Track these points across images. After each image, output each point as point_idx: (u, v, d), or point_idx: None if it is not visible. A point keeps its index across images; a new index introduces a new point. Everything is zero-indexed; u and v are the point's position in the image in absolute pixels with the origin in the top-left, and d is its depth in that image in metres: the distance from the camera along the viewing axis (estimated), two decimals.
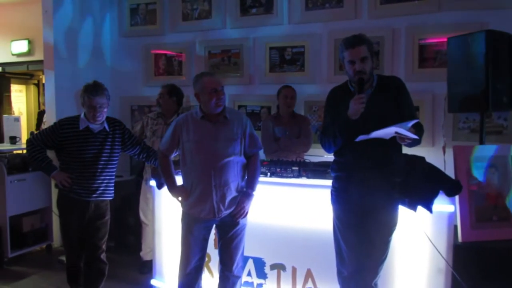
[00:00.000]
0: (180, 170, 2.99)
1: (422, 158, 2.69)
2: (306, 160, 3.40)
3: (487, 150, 2.95)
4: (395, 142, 2.47)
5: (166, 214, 3.65)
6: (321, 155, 3.26)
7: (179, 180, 3.02)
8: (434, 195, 2.59)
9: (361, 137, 2.39)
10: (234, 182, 2.87)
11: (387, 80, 2.62)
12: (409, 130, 2.31)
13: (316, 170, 3.20)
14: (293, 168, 3.26)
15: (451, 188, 2.64)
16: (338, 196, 2.65)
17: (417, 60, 4.25)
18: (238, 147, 2.88)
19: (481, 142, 3.15)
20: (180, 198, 2.96)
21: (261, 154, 3.58)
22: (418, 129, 2.42)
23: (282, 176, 3.29)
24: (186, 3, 5.26)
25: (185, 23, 5.26)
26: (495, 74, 2.98)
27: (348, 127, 2.47)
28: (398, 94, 2.55)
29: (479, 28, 3.68)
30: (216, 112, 2.86)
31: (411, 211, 2.57)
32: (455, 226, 2.83)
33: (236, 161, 2.87)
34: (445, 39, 3.41)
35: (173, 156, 3.00)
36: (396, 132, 2.33)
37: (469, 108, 3.15)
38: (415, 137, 2.34)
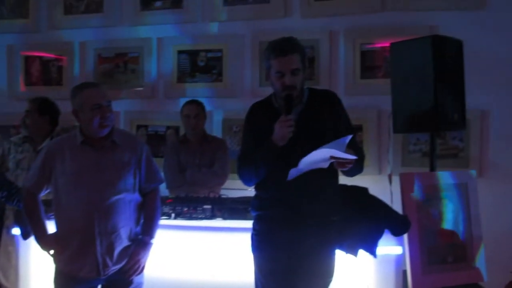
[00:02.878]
0: (52, 214, 2.89)
1: (364, 190, 2.78)
2: (222, 196, 3.40)
3: (439, 177, 3.11)
4: (330, 171, 2.53)
5: (35, 274, 3.48)
6: (242, 188, 3.27)
7: (51, 226, 2.91)
8: (379, 235, 2.67)
9: (292, 174, 2.41)
10: (125, 227, 2.83)
11: (320, 95, 2.70)
12: (346, 151, 2.37)
13: (234, 209, 3.21)
14: (205, 206, 3.26)
15: (398, 225, 2.74)
16: (260, 241, 2.65)
17: (359, 69, 4.44)
18: (130, 180, 2.85)
19: (432, 167, 3.32)
20: (52, 251, 2.85)
21: (163, 190, 3.53)
22: (356, 152, 2.49)
23: (190, 218, 3.26)
24: None
25: (68, 17, 5.17)
26: (444, 87, 3.18)
27: (274, 155, 2.50)
28: (333, 111, 2.64)
29: (428, 32, 3.95)
30: (100, 135, 2.81)
31: (351, 256, 2.63)
32: (404, 272, 2.93)
33: (128, 199, 2.83)
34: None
35: (43, 194, 2.90)
36: (331, 157, 2.38)
37: (417, 127, 3.33)
38: (354, 157, 2.40)
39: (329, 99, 2.68)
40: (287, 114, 2.47)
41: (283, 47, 2.52)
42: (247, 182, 2.68)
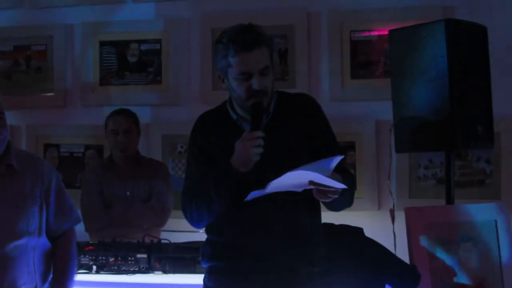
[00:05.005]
0: None
1: (358, 231, 2.78)
2: (163, 241, 3.39)
3: (459, 213, 3.14)
4: (310, 202, 2.54)
5: None
6: (189, 230, 3.25)
7: None
8: None
9: (254, 194, 2.40)
10: (28, 284, 2.83)
11: (291, 101, 2.71)
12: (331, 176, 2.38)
13: (179, 259, 3.21)
14: (139, 255, 3.26)
15: (403, 279, 2.75)
16: None
17: (348, 65, 4.48)
18: (35, 220, 2.86)
19: (449, 199, 3.34)
20: None
21: (81, 232, 3.49)
22: (345, 178, 2.50)
23: (119, 271, 3.26)
24: None
25: None
26: (463, 90, 3.22)
27: (233, 185, 2.49)
28: (310, 121, 2.65)
29: (440, 15, 4.00)
30: None
31: None
32: None
33: (31, 246, 2.85)
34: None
35: None
36: (310, 182, 2.37)
37: (428, 144, 3.35)
38: (342, 186, 2.39)
39: (304, 107, 2.69)
40: (254, 129, 2.47)
41: (247, 39, 2.51)
42: (196, 223, 2.67)
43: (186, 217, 2.68)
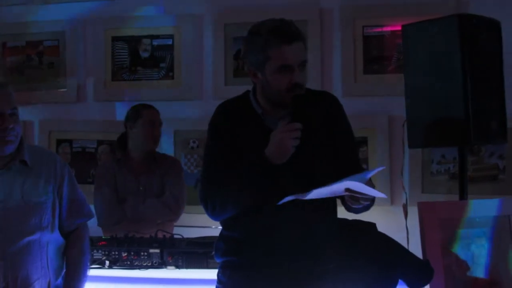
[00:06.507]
0: None
1: (371, 226, 2.78)
2: (175, 236, 3.39)
3: (473, 208, 3.13)
4: (329, 201, 2.54)
5: None
6: (202, 225, 3.26)
7: None
8: (390, 287, 2.68)
9: (288, 198, 2.38)
10: (42, 279, 2.83)
11: (314, 98, 2.71)
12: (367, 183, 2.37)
13: (192, 254, 3.21)
14: (152, 250, 3.25)
15: (416, 274, 2.74)
16: None
17: (361, 60, 4.49)
18: (47, 215, 2.87)
19: (463, 194, 3.34)
20: None
21: (94, 227, 3.50)
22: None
23: (132, 267, 3.26)
24: None
25: None
26: (477, 85, 3.21)
27: (265, 176, 2.49)
28: (332, 120, 2.66)
29: (454, 10, 4.00)
30: (3, 153, 2.81)
31: None
32: None
33: (44, 241, 2.85)
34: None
35: None
36: (347, 189, 2.38)
37: (441, 140, 3.36)
38: (380, 194, 2.40)
39: (326, 105, 2.70)
40: (294, 121, 2.46)
41: (288, 32, 2.50)
42: (217, 215, 2.62)
43: (207, 208, 2.61)
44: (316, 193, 2.36)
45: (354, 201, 2.43)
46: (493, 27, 3.39)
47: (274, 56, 2.49)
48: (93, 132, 4.92)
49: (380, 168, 2.42)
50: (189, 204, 4.20)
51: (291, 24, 2.53)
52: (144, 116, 4.20)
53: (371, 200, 2.46)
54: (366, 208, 2.55)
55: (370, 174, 2.39)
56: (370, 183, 2.40)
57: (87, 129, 4.93)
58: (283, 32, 2.48)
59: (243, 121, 2.62)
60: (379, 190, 2.39)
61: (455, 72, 3.21)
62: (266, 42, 2.49)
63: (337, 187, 2.35)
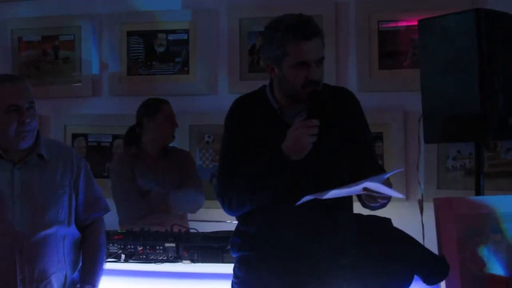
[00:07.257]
0: None
1: (386, 222, 2.78)
2: (191, 230, 3.39)
3: (489, 204, 3.11)
4: (342, 198, 2.53)
5: None
6: (217, 220, 3.26)
7: None
8: (406, 283, 2.67)
9: (307, 198, 2.39)
10: (58, 273, 2.84)
11: (333, 94, 2.70)
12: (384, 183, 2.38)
13: (207, 248, 3.21)
14: (168, 244, 3.26)
15: (432, 270, 2.74)
16: None
17: (376, 55, 4.47)
18: (64, 209, 2.88)
19: (479, 190, 3.33)
20: None
21: (110, 222, 3.51)
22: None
23: (147, 260, 3.27)
24: None
25: None
26: (494, 80, 3.20)
27: (283, 172, 2.49)
28: (350, 116, 2.66)
29: (470, 4, 3.97)
30: (21, 147, 2.82)
31: None
32: None
33: (61, 235, 2.86)
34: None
35: None
36: (364, 189, 2.39)
37: (457, 135, 3.35)
38: (398, 195, 2.43)
39: (344, 101, 2.70)
40: (312, 117, 2.47)
41: (307, 28, 2.50)
42: (234, 210, 2.64)
43: (223, 204, 2.63)
44: (334, 193, 2.38)
45: (371, 199, 2.44)
46: (510, 21, 3.37)
47: (292, 52, 2.49)
48: (108, 126, 4.93)
49: (399, 170, 2.42)
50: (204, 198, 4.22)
51: (310, 20, 2.53)
52: (163, 110, 4.21)
53: (388, 198, 2.47)
54: (382, 205, 2.55)
55: (387, 175, 2.40)
56: (387, 182, 2.41)
57: (102, 123, 4.94)
58: (302, 29, 2.48)
59: (260, 116, 2.62)
60: (394, 187, 2.42)
61: (471, 67, 3.20)
62: (284, 38, 2.49)
63: (355, 188, 2.38)
